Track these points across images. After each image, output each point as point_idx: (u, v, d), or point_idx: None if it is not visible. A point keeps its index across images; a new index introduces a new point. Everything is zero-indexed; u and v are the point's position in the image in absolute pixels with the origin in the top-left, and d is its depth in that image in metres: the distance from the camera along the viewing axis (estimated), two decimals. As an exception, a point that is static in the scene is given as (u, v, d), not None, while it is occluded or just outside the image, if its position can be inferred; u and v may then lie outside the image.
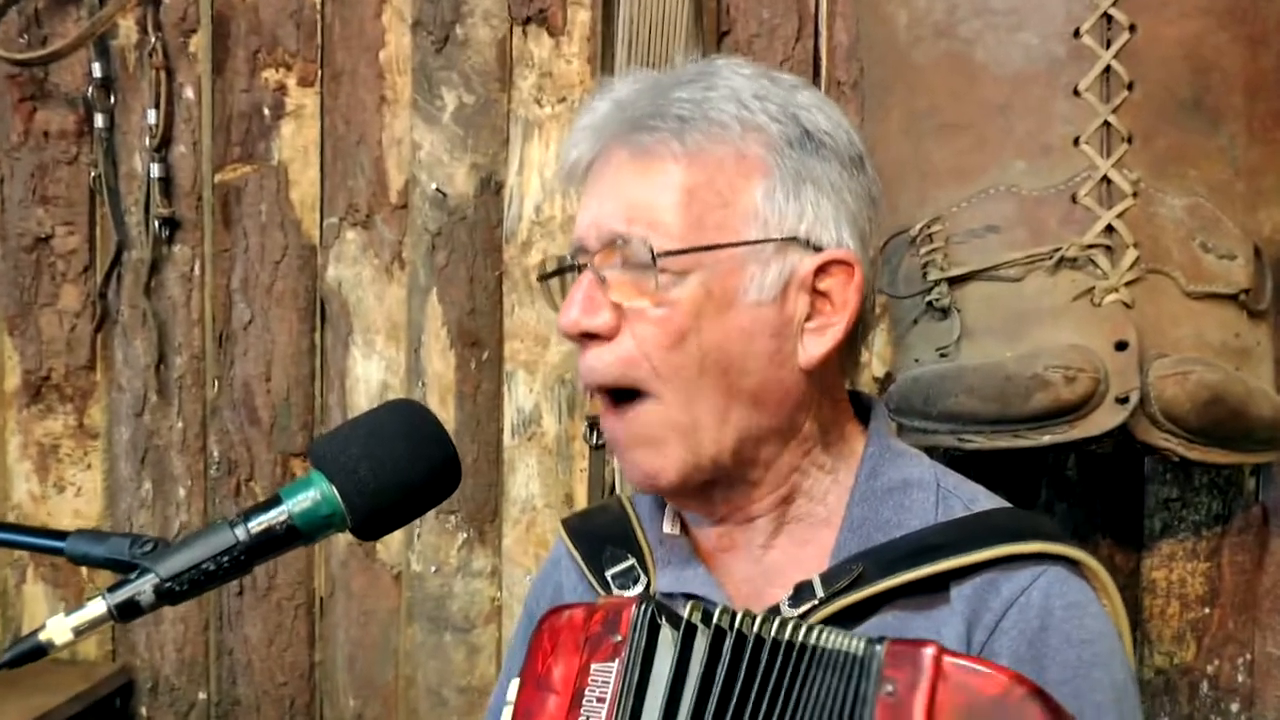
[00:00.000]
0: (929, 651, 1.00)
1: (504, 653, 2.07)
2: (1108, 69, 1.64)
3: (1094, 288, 1.58)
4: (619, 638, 1.07)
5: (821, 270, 1.19)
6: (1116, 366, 1.54)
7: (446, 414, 2.03)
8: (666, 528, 1.29)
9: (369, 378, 2.11)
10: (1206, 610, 1.82)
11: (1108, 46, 1.64)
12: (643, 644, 1.07)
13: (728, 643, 1.07)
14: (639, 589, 1.24)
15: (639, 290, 1.17)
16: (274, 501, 1.09)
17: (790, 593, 1.16)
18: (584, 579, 1.31)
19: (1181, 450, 1.58)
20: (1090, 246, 1.60)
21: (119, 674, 2.19)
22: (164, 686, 2.21)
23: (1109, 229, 1.61)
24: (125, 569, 1.09)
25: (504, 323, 2.04)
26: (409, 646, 2.09)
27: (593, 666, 1.07)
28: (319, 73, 2.11)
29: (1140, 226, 1.61)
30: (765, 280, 1.17)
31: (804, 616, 1.14)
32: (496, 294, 2.04)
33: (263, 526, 1.08)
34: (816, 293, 1.19)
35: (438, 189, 2.02)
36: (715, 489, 1.23)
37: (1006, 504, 1.24)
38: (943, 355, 1.65)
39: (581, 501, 2.02)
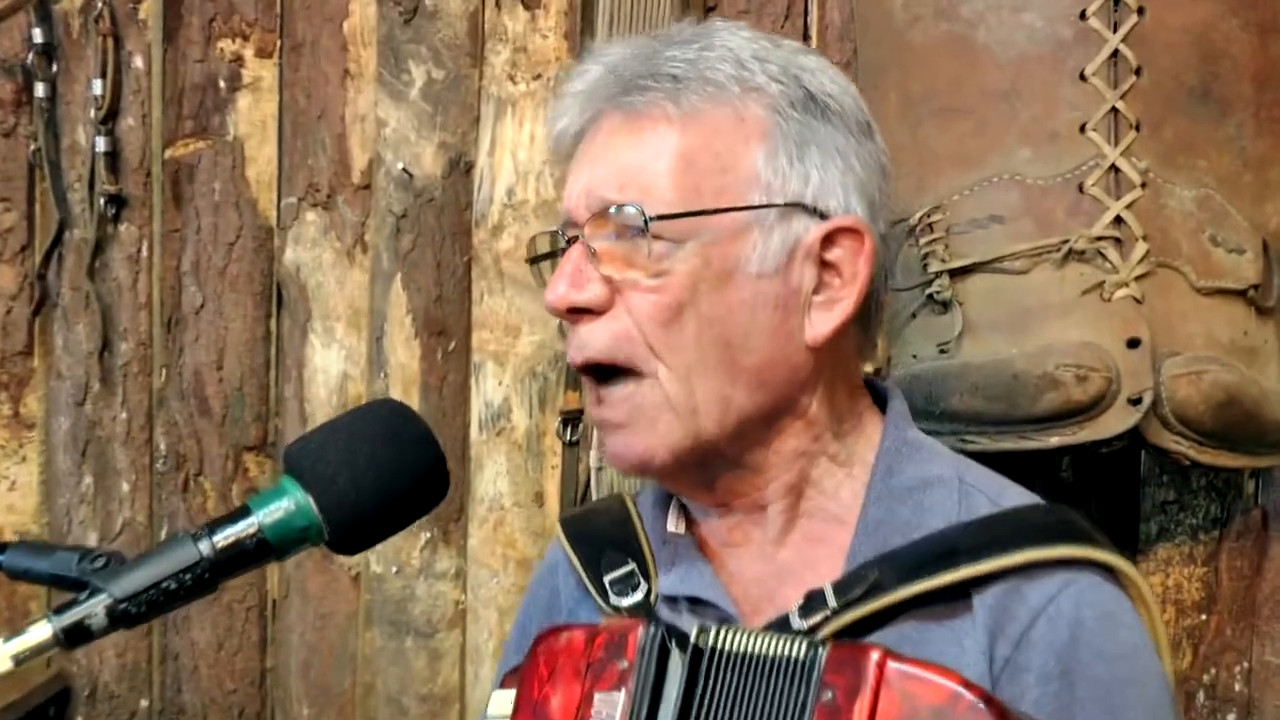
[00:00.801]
0: (874, 656, 0.94)
1: (468, 659, 1.97)
2: (1115, 53, 1.57)
3: (1104, 282, 1.51)
4: (625, 664, 0.98)
5: (828, 239, 1.11)
6: (1128, 366, 1.47)
7: (412, 406, 1.92)
8: (671, 525, 1.20)
9: (328, 368, 2.00)
10: (1203, 617, 1.76)
11: (1115, 30, 1.57)
12: (652, 671, 0.98)
13: (701, 663, 1.00)
14: (639, 595, 1.15)
15: (632, 262, 1.09)
16: (242, 512, 0.99)
17: (801, 602, 1.08)
18: (581, 585, 1.22)
19: (1193, 454, 1.51)
20: (1099, 238, 1.53)
21: (54, 681, 2.06)
22: (103, 694, 2.09)
23: (1118, 220, 1.53)
24: (73, 587, 0.98)
25: (472, 311, 1.94)
26: (368, 652, 1.99)
27: (596, 696, 0.98)
28: (278, 43, 2.00)
29: (1149, 218, 1.54)
30: (768, 249, 1.09)
31: (815, 628, 1.06)
32: (465, 281, 1.93)
33: (230, 540, 0.98)
34: (824, 264, 1.11)
35: (404, 169, 1.91)
36: (714, 472, 1.14)
37: (1036, 499, 1.16)
38: (943, 351, 1.57)
39: (552, 501, 1.92)
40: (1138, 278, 1.52)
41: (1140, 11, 1.56)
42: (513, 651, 1.33)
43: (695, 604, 1.14)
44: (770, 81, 1.10)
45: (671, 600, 1.15)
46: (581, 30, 1.83)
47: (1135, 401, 1.46)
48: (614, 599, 1.16)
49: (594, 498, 1.82)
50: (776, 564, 1.15)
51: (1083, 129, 1.56)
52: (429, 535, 1.95)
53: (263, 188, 2.02)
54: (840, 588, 1.07)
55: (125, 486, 2.06)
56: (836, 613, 1.06)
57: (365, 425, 1.02)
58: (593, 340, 1.11)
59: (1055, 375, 1.46)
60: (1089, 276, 1.52)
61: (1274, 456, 1.61)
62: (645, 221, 1.07)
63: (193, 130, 2.01)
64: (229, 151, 2.01)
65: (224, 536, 0.97)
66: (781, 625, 1.07)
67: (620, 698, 0.97)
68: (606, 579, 1.18)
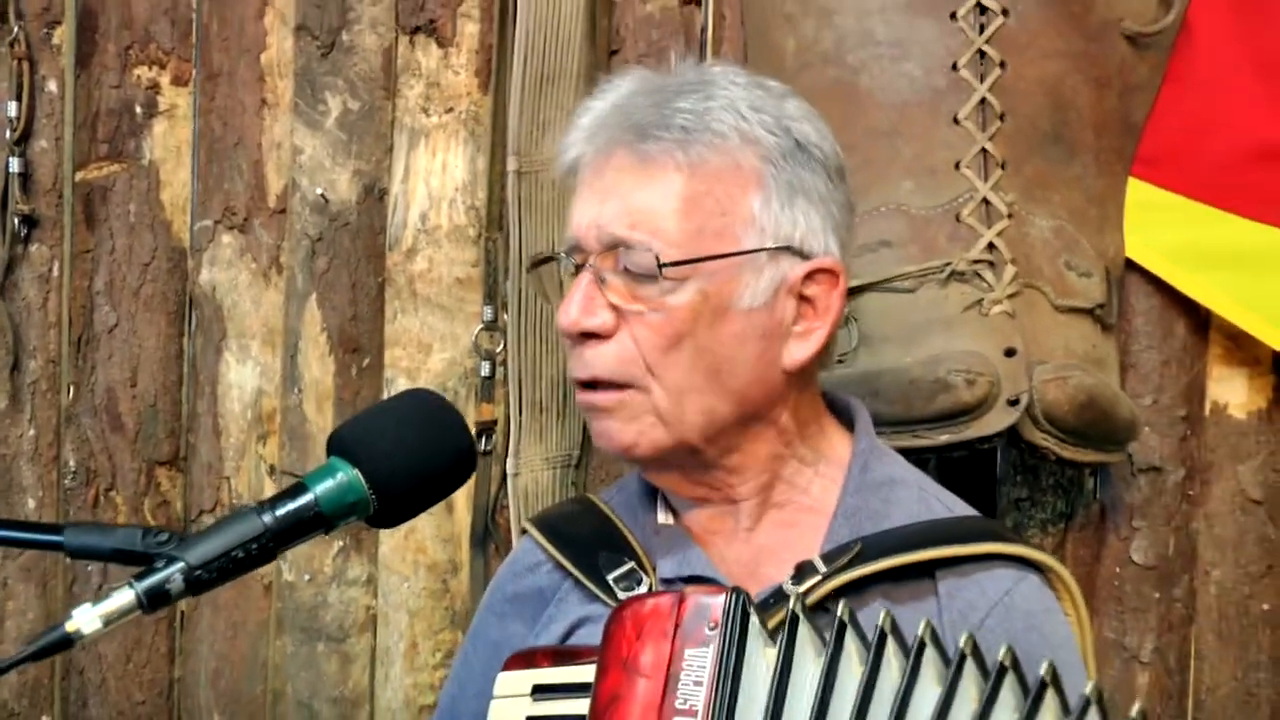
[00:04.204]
0: None
1: (378, 661, 2.06)
2: (983, 101, 1.78)
3: (982, 299, 1.72)
4: (711, 625, 1.10)
5: (808, 277, 1.26)
6: (1007, 371, 1.68)
7: (324, 420, 2.01)
8: (660, 518, 1.35)
9: (243, 384, 2.07)
10: (1051, 600, 1.97)
11: (982, 80, 1.78)
12: (738, 632, 1.09)
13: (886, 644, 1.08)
14: (643, 588, 1.28)
15: (637, 295, 1.23)
16: (299, 489, 1.09)
17: (792, 572, 1.23)
18: (577, 585, 1.35)
19: (1056, 448, 1.73)
20: (976, 261, 1.74)
21: (-49, 700, 2.06)
22: (1, 714, 2.09)
23: (990, 246, 1.75)
24: (139, 560, 1.07)
25: (385, 329, 2.03)
26: (279, 659, 2.05)
27: (686, 652, 1.09)
28: (194, 73, 2.06)
29: (1016, 245, 1.76)
30: (759, 287, 1.24)
31: (806, 594, 1.21)
32: (378, 300, 2.03)
33: (290, 512, 1.08)
34: (802, 299, 1.26)
35: (321, 194, 2.00)
36: (693, 470, 1.29)
37: (977, 513, 1.35)
38: (840, 362, 1.75)
39: (462, 510, 2.02)
40: (1009, 296, 1.73)
41: (1003, 65, 1.78)
42: (484, 643, 1.43)
43: (692, 583, 1.27)
44: (766, 134, 1.24)
45: (668, 583, 1.28)
46: (497, 68, 1.96)
47: (1013, 402, 1.67)
48: (620, 594, 1.28)
49: (510, 504, 1.94)
50: (754, 547, 1.31)
51: (957, 166, 1.77)
52: (341, 543, 2.04)
53: (177, 210, 2.08)
54: (827, 558, 1.24)
55: (31, 502, 2.07)
56: (825, 578, 1.22)
57: (410, 410, 1.14)
58: (598, 362, 1.24)
59: (947, 380, 1.66)
60: (969, 295, 1.72)
61: (1119, 453, 1.84)
62: (660, 267, 1.21)
63: (107, 154, 2.06)
64: (144, 175, 2.06)
65: (285, 510, 1.08)
66: (777, 594, 1.23)
67: (710, 653, 1.09)
68: (610, 577, 1.30)
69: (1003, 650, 1.04)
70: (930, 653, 1.07)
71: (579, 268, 1.26)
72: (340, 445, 1.11)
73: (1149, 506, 1.94)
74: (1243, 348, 1.92)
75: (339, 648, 2.05)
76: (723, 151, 1.23)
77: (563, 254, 1.29)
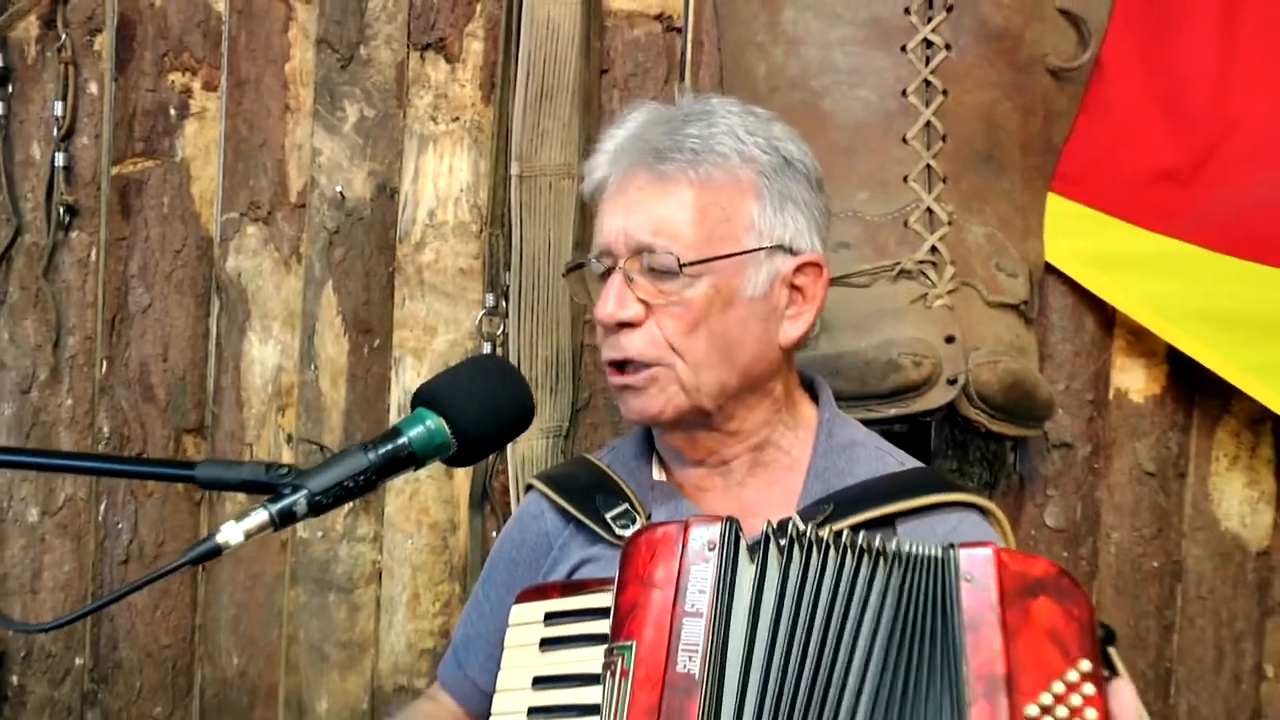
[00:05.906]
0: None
1: (383, 610, 2.28)
2: (928, 123, 2.05)
3: (926, 294, 2.00)
4: (711, 547, 1.34)
5: (798, 270, 1.52)
6: (947, 355, 1.95)
7: (338, 394, 2.24)
8: (655, 475, 1.59)
9: (264, 360, 2.29)
10: (976, 559, 2.24)
11: (928, 106, 2.05)
12: (733, 551, 1.33)
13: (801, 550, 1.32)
14: (637, 526, 1.51)
15: (660, 289, 1.48)
16: (394, 433, 1.32)
17: (775, 526, 1.46)
18: (573, 525, 1.58)
19: (986, 422, 2.01)
20: (921, 262, 2.02)
21: (-12, 643, 2.24)
22: (39, 654, 2.29)
23: (933, 249, 2.02)
24: (263, 490, 1.28)
25: (394, 314, 2.25)
26: (293, 607, 2.27)
27: (692, 568, 1.33)
28: (223, 79, 2.28)
29: (955, 248, 2.03)
30: (758, 279, 1.49)
31: (778, 527, 1.45)
32: (389, 288, 2.26)
33: (388, 452, 1.31)
34: (793, 288, 1.52)
35: (339, 191, 2.23)
36: (698, 431, 1.53)
37: (923, 464, 1.62)
38: (805, 346, 2.02)
39: (461, 475, 2.25)
40: (949, 292, 2.01)
41: (945, 93, 2.05)
42: (495, 586, 1.66)
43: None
44: (760, 153, 1.50)
45: None
46: (500, 83, 2.20)
47: (952, 381, 1.95)
48: (618, 531, 1.52)
49: (508, 469, 2.18)
50: (741, 502, 1.55)
51: (905, 179, 2.04)
52: (352, 505, 2.26)
53: (206, 203, 2.29)
54: (804, 515, 1.47)
55: (68, 465, 2.27)
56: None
57: (485, 370, 1.38)
58: (631, 346, 1.48)
59: (898, 361, 1.93)
60: (915, 290, 1.99)
61: (1037, 429, 2.12)
62: (680, 266, 1.45)
63: (143, 151, 2.26)
64: (176, 170, 2.27)
65: (385, 450, 1.31)
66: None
67: (710, 567, 1.32)
68: (607, 515, 1.53)
69: (877, 539, 1.31)
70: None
71: (609, 270, 1.50)
72: (426, 398, 1.35)
73: (1060, 478, 2.20)
74: (1142, 341, 2.17)
75: (348, 598, 2.27)
76: (725, 169, 1.48)
77: (594, 259, 1.54)
